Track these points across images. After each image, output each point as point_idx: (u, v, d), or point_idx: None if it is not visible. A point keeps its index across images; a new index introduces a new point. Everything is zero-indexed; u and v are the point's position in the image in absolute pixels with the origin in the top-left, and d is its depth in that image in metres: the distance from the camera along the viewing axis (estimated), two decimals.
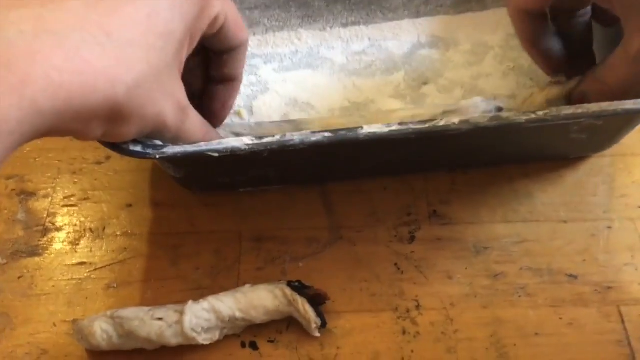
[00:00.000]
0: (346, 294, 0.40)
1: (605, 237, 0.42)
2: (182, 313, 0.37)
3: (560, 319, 0.39)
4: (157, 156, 0.34)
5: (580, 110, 0.36)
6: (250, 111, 0.47)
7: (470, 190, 0.45)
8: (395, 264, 0.41)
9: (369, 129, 0.36)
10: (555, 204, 0.44)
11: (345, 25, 0.53)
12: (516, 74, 0.50)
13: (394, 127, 0.36)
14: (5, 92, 0.22)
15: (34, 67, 0.23)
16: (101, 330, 0.36)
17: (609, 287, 0.40)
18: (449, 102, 0.47)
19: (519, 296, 0.40)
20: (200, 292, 0.40)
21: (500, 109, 0.41)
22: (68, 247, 0.43)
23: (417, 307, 0.40)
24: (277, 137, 0.35)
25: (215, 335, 0.38)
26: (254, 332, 0.39)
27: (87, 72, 0.25)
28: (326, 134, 0.35)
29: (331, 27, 0.52)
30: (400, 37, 0.52)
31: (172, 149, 0.35)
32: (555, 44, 0.40)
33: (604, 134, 0.43)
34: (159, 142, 0.36)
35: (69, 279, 0.41)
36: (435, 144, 0.41)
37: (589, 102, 0.36)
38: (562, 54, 0.40)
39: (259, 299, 0.38)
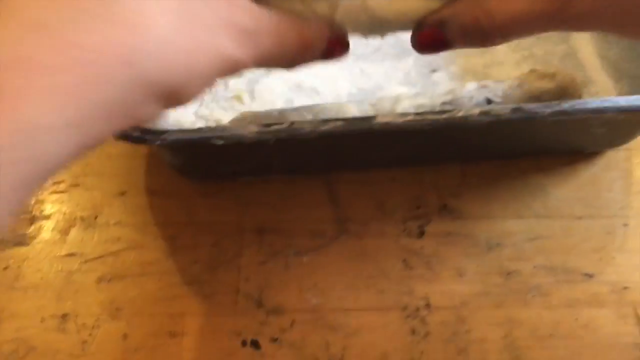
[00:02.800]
0: (352, 291, 0.38)
1: (622, 234, 0.41)
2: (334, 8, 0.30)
3: (576, 320, 0.37)
4: (157, 142, 0.32)
5: (607, 104, 0.34)
6: (252, 95, 0.45)
7: (481, 183, 0.43)
8: (404, 260, 0.39)
9: (383, 118, 0.34)
10: (569, 199, 0.42)
11: None
12: (529, 64, 0.47)
13: (409, 117, 0.34)
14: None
15: (16, 77, 0.18)
16: None
17: (626, 287, 0.38)
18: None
19: (533, 295, 0.38)
20: (198, 287, 0.38)
21: (489, 101, 0.39)
22: (57, 237, 0.40)
23: (427, 305, 0.38)
24: (286, 125, 0.33)
25: None
26: (255, 330, 0.37)
27: (88, 60, 0.19)
28: (338, 123, 0.33)
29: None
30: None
31: (173, 135, 0.32)
32: None
33: (625, 128, 0.41)
34: (158, 128, 0.34)
35: (58, 271, 0.39)
36: (450, 135, 0.39)
37: (447, 35, 0.28)
38: None
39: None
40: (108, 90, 0.20)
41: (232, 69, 0.23)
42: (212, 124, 0.41)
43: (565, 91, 0.41)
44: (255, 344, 0.36)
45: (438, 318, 0.37)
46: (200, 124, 0.41)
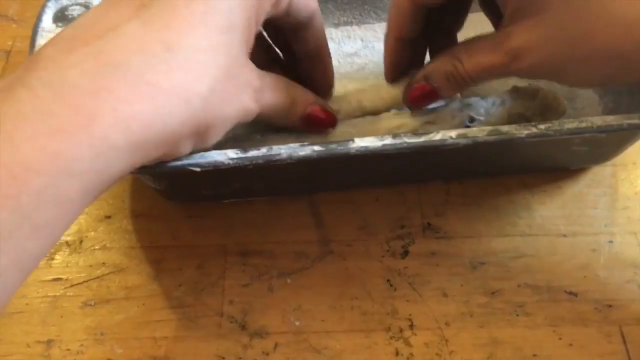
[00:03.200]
0: (336, 312, 0.38)
1: (607, 252, 0.40)
2: (337, 112, 0.39)
3: (560, 339, 0.37)
4: (136, 172, 0.32)
5: (584, 125, 0.34)
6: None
7: (466, 201, 0.43)
8: (388, 280, 0.39)
9: (361, 142, 0.34)
10: (554, 217, 0.42)
11: (336, 26, 0.50)
12: (514, 78, 0.47)
13: (387, 141, 0.34)
14: (74, 132, 0.22)
15: (99, 103, 0.23)
16: None
17: (610, 306, 0.38)
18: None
19: (517, 315, 0.38)
20: (182, 311, 0.38)
21: (472, 120, 0.39)
22: (42, 262, 0.40)
23: (411, 326, 0.38)
24: (264, 151, 0.33)
25: None
26: (239, 353, 0.37)
27: (156, 96, 0.24)
28: (315, 148, 0.33)
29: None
30: None
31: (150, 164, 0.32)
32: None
33: (607, 146, 0.41)
34: None
35: (43, 297, 0.39)
36: (430, 156, 0.39)
37: (434, 83, 0.35)
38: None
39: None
40: (166, 122, 0.25)
41: (247, 116, 0.30)
42: None
43: (548, 108, 0.41)
44: None
45: (422, 339, 0.37)
46: None
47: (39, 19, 0.39)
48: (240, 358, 0.37)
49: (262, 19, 0.30)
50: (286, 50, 0.38)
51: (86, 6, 0.40)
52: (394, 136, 0.34)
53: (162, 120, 0.25)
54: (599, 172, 0.44)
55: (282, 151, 0.33)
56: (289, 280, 0.39)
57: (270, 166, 0.34)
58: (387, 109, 0.41)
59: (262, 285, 0.39)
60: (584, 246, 0.41)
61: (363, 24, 0.51)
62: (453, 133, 0.34)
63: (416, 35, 0.37)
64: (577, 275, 0.39)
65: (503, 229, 0.41)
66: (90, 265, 0.40)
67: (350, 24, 0.51)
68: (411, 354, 0.37)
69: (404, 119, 0.41)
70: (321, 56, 0.37)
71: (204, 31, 0.26)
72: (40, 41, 0.38)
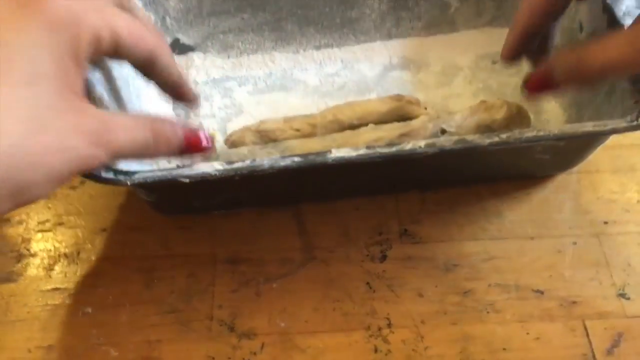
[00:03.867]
0: (319, 313, 0.41)
1: (571, 253, 0.43)
2: (315, 126, 0.44)
3: (527, 334, 0.40)
4: (129, 182, 0.35)
5: (541, 133, 0.37)
6: (225, 133, 0.48)
7: (440, 209, 0.46)
8: (367, 283, 0.42)
9: (337, 153, 0.37)
10: (522, 221, 0.45)
11: (318, 48, 0.54)
12: (485, 94, 0.51)
13: (361, 152, 0.37)
14: None
15: None
16: (250, 140, 0.44)
17: (574, 302, 0.41)
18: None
19: (488, 312, 0.41)
20: (175, 316, 0.41)
21: (444, 131, 0.42)
22: (43, 273, 0.43)
23: (389, 325, 0.40)
24: (247, 162, 0.36)
25: None
26: (228, 353, 0.39)
27: None
28: (295, 159, 0.36)
29: (304, 50, 0.54)
30: (372, 59, 0.54)
31: (142, 175, 0.35)
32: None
33: (568, 154, 0.44)
34: (130, 168, 0.37)
35: (43, 305, 0.41)
36: (404, 166, 0.42)
37: (556, 75, 0.34)
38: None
39: (373, 107, 0.45)
40: None
41: (87, 165, 0.27)
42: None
43: (513, 120, 0.44)
44: None
45: (399, 336, 0.40)
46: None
47: None
48: (230, 358, 0.39)
49: (83, 59, 0.28)
50: None
51: None
52: (368, 147, 0.37)
53: None
54: (564, 180, 0.47)
55: (265, 162, 0.36)
56: (274, 285, 0.42)
57: (255, 176, 0.37)
58: (361, 122, 0.44)
59: (250, 290, 0.42)
60: (549, 248, 0.44)
61: (343, 46, 0.54)
62: (422, 143, 0.37)
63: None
64: (543, 275, 0.42)
65: (474, 234, 0.44)
66: (88, 275, 0.43)
67: (331, 46, 0.54)
68: (389, 350, 0.39)
69: (381, 133, 0.44)
70: (179, 88, 0.36)
71: (4, 89, 0.24)
72: None
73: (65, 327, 0.41)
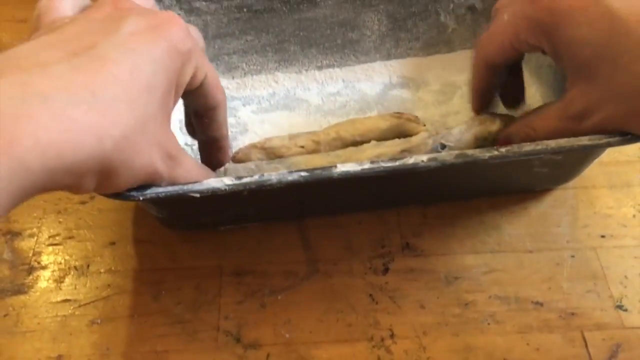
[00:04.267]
0: (323, 325, 0.42)
1: (569, 265, 0.44)
2: (319, 143, 0.45)
3: (528, 344, 0.41)
4: (140, 198, 0.36)
5: (539, 147, 0.39)
6: (230, 151, 0.49)
7: (440, 223, 0.47)
8: (370, 295, 0.43)
9: (342, 167, 0.38)
10: (521, 234, 0.46)
11: (320, 68, 0.55)
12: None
13: (366, 166, 0.38)
14: None
15: (20, 128, 0.24)
16: (257, 157, 0.45)
17: (573, 314, 0.42)
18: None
19: (488, 324, 0.42)
20: (182, 326, 0.42)
21: (443, 146, 0.43)
22: (53, 285, 0.44)
23: (391, 336, 0.41)
24: (256, 177, 0.37)
25: None
26: None
27: (74, 129, 0.26)
28: (302, 174, 0.37)
29: (306, 70, 0.55)
30: (372, 79, 0.55)
31: (154, 190, 0.36)
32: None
33: (565, 167, 0.46)
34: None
35: (53, 316, 0.42)
36: (406, 180, 0.43)
37: (513, 141, 0.40)
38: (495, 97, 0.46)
39: (373, 124, 0.47)
40: (77, 154, 0.26)
41: (155, 178, 0.33)
42: None
43: None
44: None
45: (401, 347, 0.41)
46: None
47: None
48: None
49: (182, 88, 0.33)
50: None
51: None
52: (372, 161, 0.39)
53: (75, 150, 0.26)
54: (562, 195, 0.48)
55: (273, 177, 0.37)
56: (279, 297, 0.43)
57: (263, 191, 0.38)
58: (363, 139, 0.46)
59: (255, 302, 0.43)
60: (548, 261, 0.45)
61: (344, 66, 0.56)
62: (424, 157, 0.38)
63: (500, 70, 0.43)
64: (542, 287, 0.43)
65: (474, 247, 0.45)
66: (97, 287, 0.44)
67: (333, 66, 0.56)
68: None
69: (383, 149, 0.45)
70: (220, 143, 0.41)
71: (126, 86, 0.28)
72: None
73: (74, 337, 0.41)
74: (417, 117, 0.48)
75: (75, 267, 0.45)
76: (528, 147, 0.39)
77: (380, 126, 0.47)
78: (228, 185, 0.37)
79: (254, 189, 0.37)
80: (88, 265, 0.45)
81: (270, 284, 0.44)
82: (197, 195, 0.37)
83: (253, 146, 0.46)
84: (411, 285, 0.44)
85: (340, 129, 0.46)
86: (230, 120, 0.52)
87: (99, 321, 0.42)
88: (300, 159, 0.45)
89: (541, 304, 0.42)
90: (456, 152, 0.39)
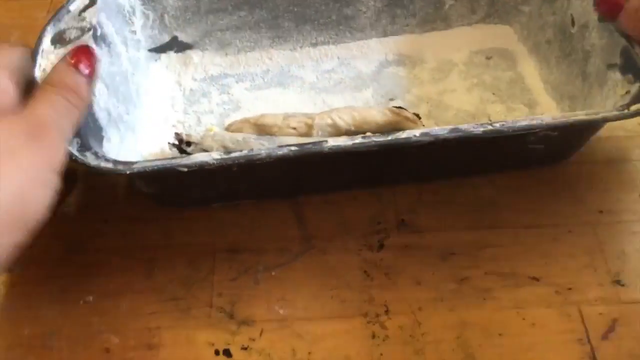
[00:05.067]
0: (317, 301, 0.41)
1: (566, 241, 0.44)
2: (311, 127, 0.44)
3: (524, 319, 0.40)
4: (127, 172, 0.36)
5: (534, 122, 0.38)
6: (222, 128, 0.49)
7: (436, 199, 0.46)
8: (365, 271, 0.43)
9: (333, 142, 0.38)
10: (518, 210, 0.45)
11: (314, 45, 0.55)
12: (480, 90, 0.52)
13: (357, 140, 0.38)
14: None
15: None
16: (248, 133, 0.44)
17: (570, 289, 0.42)
18: None
19: (484, 299, 0.41)
20: (175, 303, 0.41)
21: None
22: (46, 263, 0.43)
23: (386, 311, 0.41)
24: (245, 152, 0.37)
25: None
26: (227, 340, 0.40)
27: None
28: (292, 148, 0.37)
29: (301, 47, 0.55)
30: (368, 56, 0.55)
31: (141, 165, 0.36)
32: None
33: (562, 144, 0.45)
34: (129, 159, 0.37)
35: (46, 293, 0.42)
36: (400, 157, 0.43)
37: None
38: None
39: (371, 117, 0.45)
40: None
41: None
42: (182, 132, 0.46)
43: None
44: (227, 353, 0.39)
45: (396, 322, 0.40)
46: (171, 153, 0.46)
47: (39, 41, 0.41)
48: (229, 344, 0.40)
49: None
50: None
51: (82, 30, 0.42)
52: (364, 136, 0.38)
53: None
54: (559, 170, 0.48)
55: (262, 151, 0.37)
56: (273, 274, 0.43)
57: (253, 167, 0.38)
58: (357, 129, 0.45)
59: (249, 279, 0.42)
60: (545, 236, 0.44)
61: (339, 43, 0.55)
62: (417, 132, 0.38)
63: None
64: (539, 262, 0.43)
65: (471, 223, 0.45)
66: (89, 265, 0.43)
67: (327, 43, 0.55)
68: (387, 336, 0.40)
69: None
70: None
71: None
72: (41, 61, 0.40)
73: (66, 315, 0.41)
74: (416, 118, 0.47)
75: (67, 244, 0.44)
76: (523, 122, 0.38)
77: (377, 120, 0.46)
78: (216, 159, 0.36)
79: (243, 164, 0.37)
80: (80, 243, 0.44)
81: (264, 261, 0.43)
82: (185, 169, 0.36)
83: (246, 120, 0.45)
84: (406, 261, 0.43)
85: (336, 117, 0.45)
86: (223, 97, 0.52)
87: (91, 299, 0.42)
88: (289, 140, 0.45)
89: (537, 279, 0.42)
90: (450, 126, 0.38)
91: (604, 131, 0.46)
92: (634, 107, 0.38)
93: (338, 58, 0.55)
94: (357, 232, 0.45)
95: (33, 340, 0.40)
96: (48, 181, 0.33)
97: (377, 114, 0.46)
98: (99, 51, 0.41)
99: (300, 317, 0.41)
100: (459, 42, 0.55)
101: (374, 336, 0.40)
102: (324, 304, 0.41)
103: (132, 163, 0.36)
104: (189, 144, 0.44)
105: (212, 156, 0.37)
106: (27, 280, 0.43)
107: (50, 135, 0.33)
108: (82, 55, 0.37)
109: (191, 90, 0.53)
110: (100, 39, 0.43)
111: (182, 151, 0.44)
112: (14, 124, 0.32)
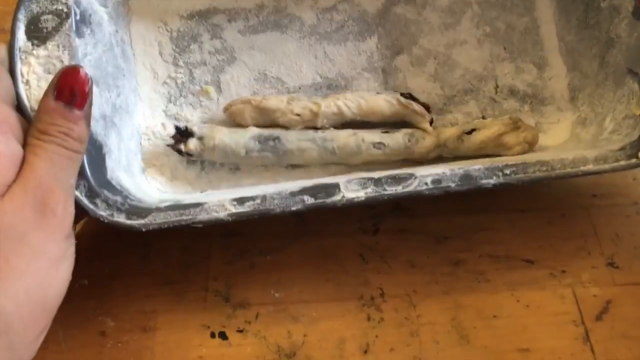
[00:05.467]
0: (313, 284, 0.42)
1: (560, 224, 0.44)
2: (316, 115, 0.43)
3: (518, 301, 0.41)
4: (143, 229, 0.37)
5: (544, 174, 0.38)
6: (219, 88, 0.46)
7: None
8: (360, 255, 0.43)
9: (347, 194, 0.38)
10: (512, 194, 0.46)
11: None
12: (491, 42, 0.49)
13: (369, 192, 0.38)
14: None
15: None
16: (249, 116, 0.44)
17: (564, 271, 0.42)
18: (420, 79, 0.48)
19: (479, 282, 0.41)
20: (170, 287, 0.41)
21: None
22: None
23: (382, 294, 0.41)
24: (259, 207, 0.37)
25: None
26: (223, 322, 0.40)
27: None
28: (306, 201, 0.37)
29: None
30: None
31: (157, 221, 0.37)
32: None
33: None
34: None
35: None
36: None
37: None
38: None
39: (379, 107, 0.44)
40: None
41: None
42: (182, 123, 0.44)
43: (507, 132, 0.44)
44: (222, 336, 0.39)
45: (391, 305, 0.40)
46: (170, 123, 0.45)
47: (13, 37, 0.36)
48: (225, 327, 0.40)
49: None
50: None
51: (58, 15, 0.37)
52: (377, 185, 0.38)
53: None
54: None
55: (276, 207, 0.37)
56: (269, 257, 0.43)
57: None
58: (364, 119, 0.44)
59: (244, 262, 0.42)
60: (539, 220, 0.44)
61: None
62: (429, 180, 0.38)
63: None
64: (533, 245, 0.43)
65: (465, 207, 0.45)
66: (84, 249, 0.43)
67: None
68: (382, 319, 0.40)
69: (379, 156, 0.44)
70: None
71: None
72: (22, 68, 0.36)
73: (65, 300, 0.41)
74: (424, 111, 0.45)
75: None
76: (533, 173, 0.38)
77: (384, 111, 0.44)
78: (230, 215, 0.37)
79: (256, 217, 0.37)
80: (75, 227, 0.44)
81: (259, 245, 0.43)
82: (200, 225, 0.37)
83: (248, 102, 0.44)
84: (402, 245, 0.43)
85: (343, 104, 0.44)
86: (216, 43, 0.47)
87: (86, 282, 0.41)
88: (293, 139, 0.44)
89: (532, 262, 0.42)
90: (459, 174, 0.39)
91: None
92: None
93: None
94: (353, 216, 0.45)
95: None
96: (63, 252, 0.32)
97: (385, 105, 0.44)
98: (83, 40, 0.38)
99: (296, 300, 0.41)
100: None
101: (369, 319, 0.40)
102: (320, 287, 0.41)
103: (148, 216, 0.37)
104: (190, 134, 0.43)
105: (228, 211, 0.37)
106: None
107: (56, 200, 0.31)
108: (71, 86, 0.32)
109: (179, 32, 0.47)
110: (81, 22, 0.38)
111: (179, 152, 0.43)
112: (20, 203, 0.30)
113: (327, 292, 0.41)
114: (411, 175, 0.38)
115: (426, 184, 0.38)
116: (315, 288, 0.41)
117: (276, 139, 0.43)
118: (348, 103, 0.45)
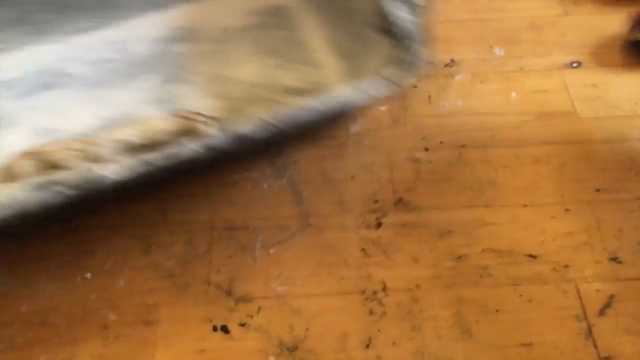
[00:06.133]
0: (315, 278, 0.41)
1: (564, 219, 0.44)
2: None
3: (520, 296, 0.40)
4: None
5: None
6: None
7: (434, 178, 0.46)
8: (363, 249, 0.43)
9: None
10: (516, 189, 0.45)
11: (81, 31, 0.47)
12: (260, 58, 0.49)
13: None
14: None
15: None
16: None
17: (567, 266, 0.42)
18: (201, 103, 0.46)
19: (481, 276, 0.41)
20: (172, 280, 0.41)
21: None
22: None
23: (384, 289, 0.41)
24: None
25: None
26: (225, 316, 0.40)
27: None
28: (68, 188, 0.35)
29: (66, 35, 0.47)
30: (144, 35, 0.49)
31: None
32: None
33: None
34: None
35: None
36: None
37: None
38: None
39: (159, 128, 0.42)
40: None
41: None
42: None
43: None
44: (224, 329, 0.39)
45: (394, 300, 0.40)
46: None
47: None
48: (227, 320, 0.40)
49: None
50: None
51: None
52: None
53: None
54: (556, 149, 0.47)
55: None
56: (271, 251, 0.43)
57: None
58: (153, 142, 0.42)
59: (246, 256, 0.42)
60: (542, 214, 0.44)
61: (108, 26, 0.48)
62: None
63: None
64: (536, 240, 0.43)
65: (468, 201, 0.45)
66: (87, 242, 0.43)
67: (96, 28, 0.48)
68: (384, 313, 0.40)
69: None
70: None
71: None
72: None
73: (64, 292, 0.41)
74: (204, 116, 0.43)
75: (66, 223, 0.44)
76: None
77: (167, 128, 0.42)
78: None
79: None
80: (79, 220, 0.44)
81: (261, 239, 0.43)
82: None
83: (25, 155, 0.41)
84: (404, 239, 0.43)
85: (121, 134, 0.42)
86: None
87: (89, 276, 0.42)
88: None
89: (535, 257, 0.42)
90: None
91: (601, 110, 0.46)
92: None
93: (108, 43, 0.48)
94: (355, 211, 0.44)
95: (31, 316, 0.40)
96: None
97: (165, 123, 0.42)
98: None
99: (298, 294, 0.41)
100: (234, 8, 0.50)
101: (371, 313, 0.40)
102: (322, 281, 0.41)
103: None
104: None
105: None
106: (24, 258, 0.43)
107: None
108: None
109: None
110: None
111: None
112: None
113: (329, 286, 0.41)
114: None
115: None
116: (317, 282, 0.41)
117: None
118: (126, 132, 0.42)
